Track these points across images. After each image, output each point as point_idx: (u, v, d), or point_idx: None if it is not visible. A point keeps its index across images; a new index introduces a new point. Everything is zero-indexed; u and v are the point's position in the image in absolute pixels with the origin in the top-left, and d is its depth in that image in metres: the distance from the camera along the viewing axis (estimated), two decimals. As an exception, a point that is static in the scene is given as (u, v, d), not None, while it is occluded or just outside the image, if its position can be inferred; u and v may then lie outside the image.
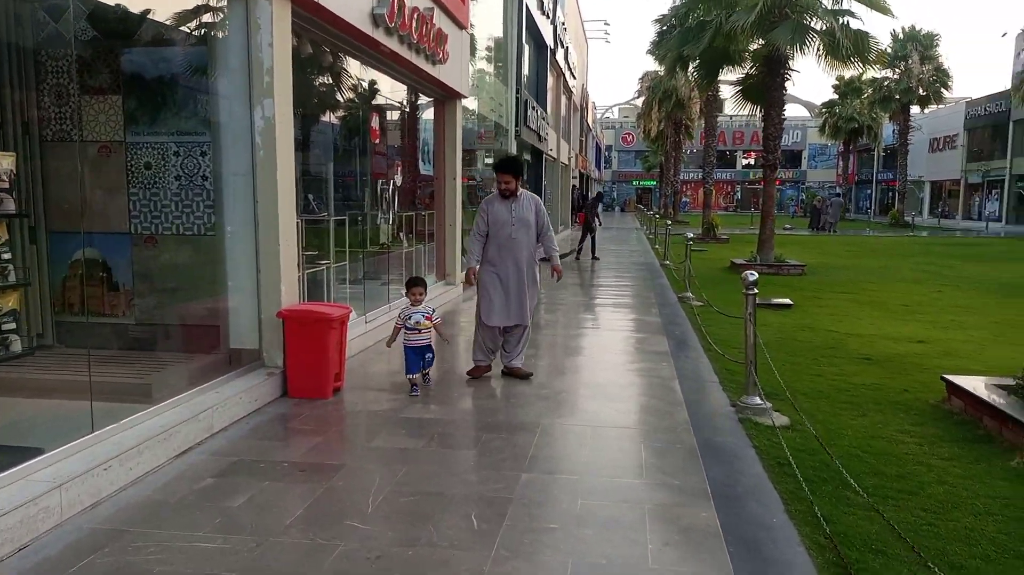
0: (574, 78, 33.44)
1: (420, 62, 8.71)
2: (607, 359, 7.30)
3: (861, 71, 24.41)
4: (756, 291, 5.33)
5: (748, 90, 18.08)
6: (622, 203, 69.99)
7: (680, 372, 6.65)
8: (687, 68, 19.66)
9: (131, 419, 4.37)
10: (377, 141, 8.95)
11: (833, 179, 63.20)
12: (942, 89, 41.35)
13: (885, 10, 15.67)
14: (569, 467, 4.30)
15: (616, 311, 10.46)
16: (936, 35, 41.67)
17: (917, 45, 41.29)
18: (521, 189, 6.22)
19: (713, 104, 30.03)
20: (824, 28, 15.40)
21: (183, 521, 3.55)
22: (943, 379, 5.74)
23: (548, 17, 23.16)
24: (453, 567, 3.12)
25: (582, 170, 44.68)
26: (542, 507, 3.74)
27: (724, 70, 18.52)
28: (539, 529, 3.49)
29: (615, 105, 73.04)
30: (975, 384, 5.43)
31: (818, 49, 15.52)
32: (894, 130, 45.96)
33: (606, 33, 69.67)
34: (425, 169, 10.91)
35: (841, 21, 15.27)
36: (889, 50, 35.50)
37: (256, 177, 5.56)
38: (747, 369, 5.43)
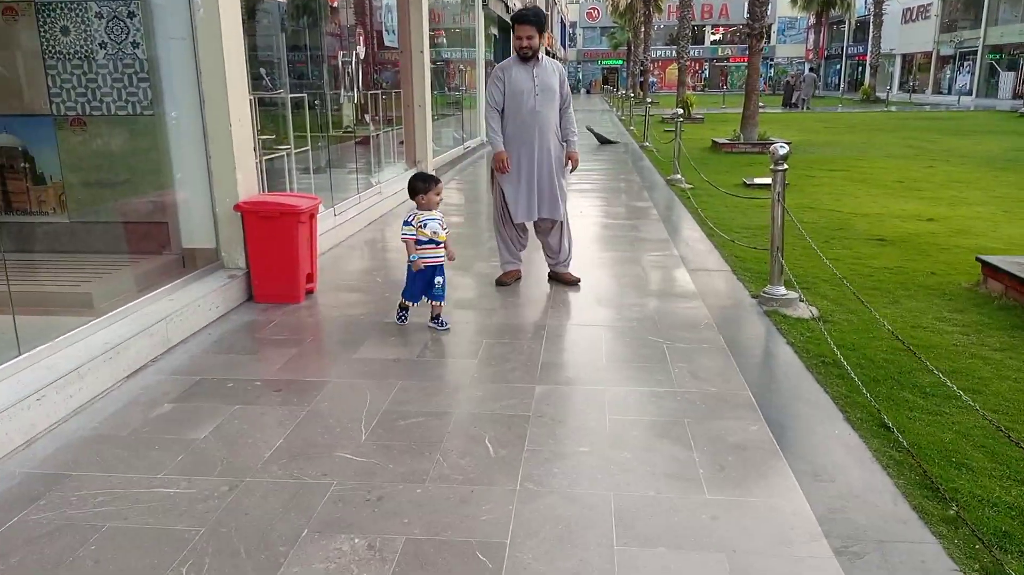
0: (539, -56, 31.18)
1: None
2: (603, 250, 6.68)
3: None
4: (786, 167, 4.68)
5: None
6: (588, 84, 67.77)
7: (686, 261, 6.08)
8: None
9: (68, 336, 3.67)
10: (335, 5, 7.87)
11: (802, 54, 61.68)
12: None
13: None
14: (588, 375, 3.74)
15: (604, 197, 9.76)
16: None
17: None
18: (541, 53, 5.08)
19: (687, -28, 28.34)
20: None
21: (138, 460, 2.93)
22: (979, 260, 5.25)
23: None
24: (474, 507, 2.58)
25: (548, 48, 42.64)
26: (566, 426, 3.19)
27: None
28: (568, 454, 2.94)
29: (579, -23, 69.45)
30: (1016, 265, 4.95)
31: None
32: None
33: None
34: (389, 40, 9.81)
35: None
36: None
37: (197, 42, 4.64)
38: (772, 256, 4.86)
